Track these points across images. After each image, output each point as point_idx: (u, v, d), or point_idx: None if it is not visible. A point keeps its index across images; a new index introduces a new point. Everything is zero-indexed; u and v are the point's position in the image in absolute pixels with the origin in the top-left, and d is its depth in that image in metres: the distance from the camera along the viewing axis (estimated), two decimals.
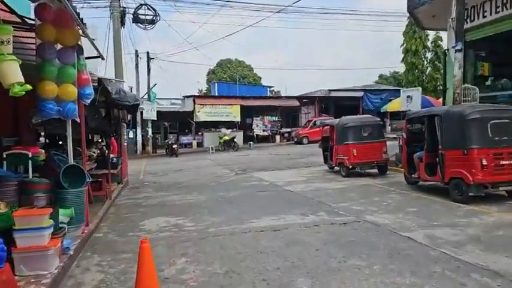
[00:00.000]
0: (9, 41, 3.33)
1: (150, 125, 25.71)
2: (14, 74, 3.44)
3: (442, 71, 26.06)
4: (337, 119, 12.97)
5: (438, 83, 23.71)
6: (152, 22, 15.64)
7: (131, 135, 25.35)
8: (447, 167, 7.78)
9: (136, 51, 25.28)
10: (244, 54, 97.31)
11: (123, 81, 6.82)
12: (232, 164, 17.04)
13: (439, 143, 8.02)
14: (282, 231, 5.89)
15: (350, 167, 11.58)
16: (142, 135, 25.58)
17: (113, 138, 11.80)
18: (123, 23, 14.08)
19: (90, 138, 12.16)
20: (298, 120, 34.19)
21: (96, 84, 5.56)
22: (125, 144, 13.09)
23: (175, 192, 10.35)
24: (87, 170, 8.35)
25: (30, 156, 5.29)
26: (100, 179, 8.85)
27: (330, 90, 33.58)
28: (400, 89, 34.11)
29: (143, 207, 8.57)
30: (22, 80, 3.53)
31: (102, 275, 4.32)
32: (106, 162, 9.08)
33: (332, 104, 34.17)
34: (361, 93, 32.60)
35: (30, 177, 5.28)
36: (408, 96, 12.50)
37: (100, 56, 5.36)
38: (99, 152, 10.35)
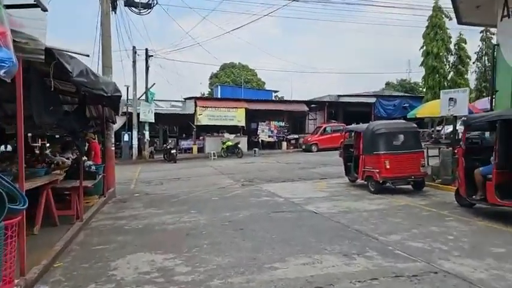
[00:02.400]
0: None
1: (147, 128, 23.73)
2: None
3: (466, 76, 24.18)
4: (365, 124, 10.92)
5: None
6: (148, 6, 13.60)
7: (126, 138, 23.43)
8: None
9: (134, 47, 23.25)
10: (247, 58, 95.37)
11: (87, 55, 4.69)
12: (237, 173, 14.99)
13: None
14: None
15: (381, 181, 9.56)
16: (139, 139, 23.60)
17: (94, 141, 9.77)
18: (114, 7, 12.03)
19: (66, 139, 10.11)
20: (305, 126, 32.26)
21: (42, 56, 3.52)
22: (113, 148, 11.03)
23: (169, 210, 8.31)
24: (52, 182, 6.35)
25: None
26: (69, 193, 6.83)
27: (339, 96, 31.86)
28: (414, 96, 33.02)
29: (124, 233, 6.48)
30: None
31: None
32: (78, 171, 6.98)
33: (341, 110, 32.30)
34: (373, 99, 30.71)
35: None
36: (451, 99, 10.37)
37: (39, 5, 3.29)
38: (74, 158, 8.28)
